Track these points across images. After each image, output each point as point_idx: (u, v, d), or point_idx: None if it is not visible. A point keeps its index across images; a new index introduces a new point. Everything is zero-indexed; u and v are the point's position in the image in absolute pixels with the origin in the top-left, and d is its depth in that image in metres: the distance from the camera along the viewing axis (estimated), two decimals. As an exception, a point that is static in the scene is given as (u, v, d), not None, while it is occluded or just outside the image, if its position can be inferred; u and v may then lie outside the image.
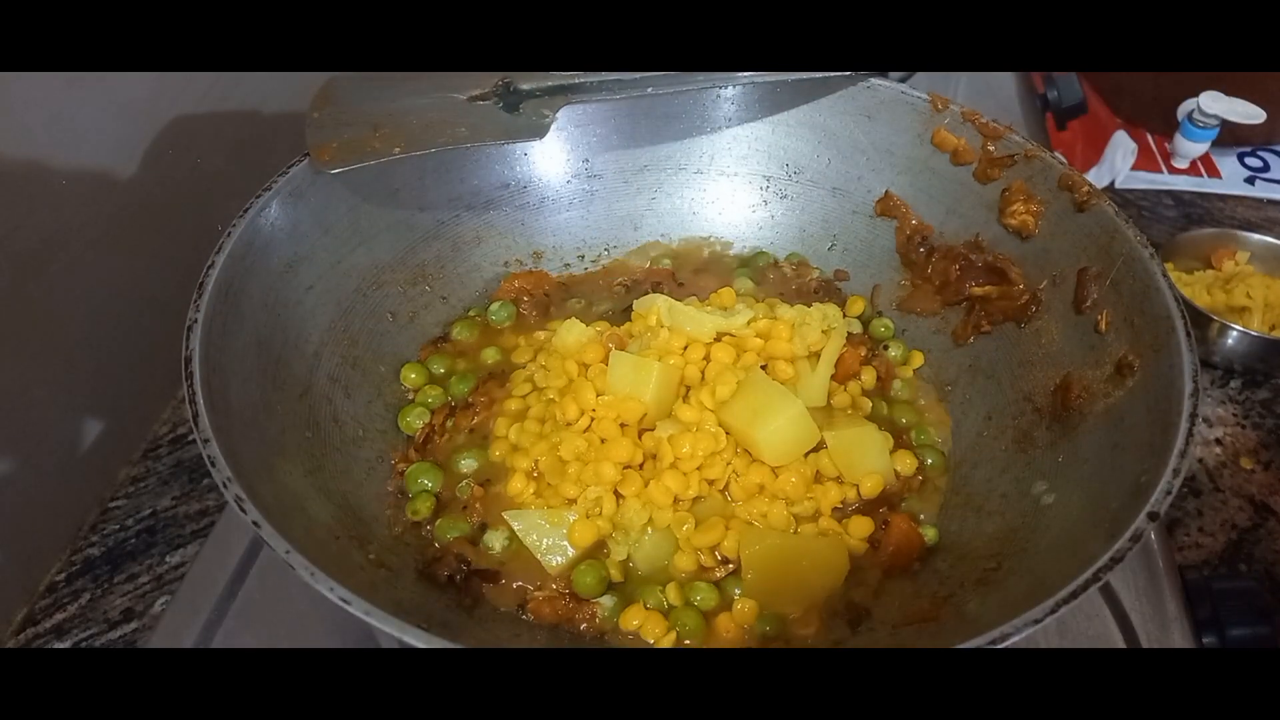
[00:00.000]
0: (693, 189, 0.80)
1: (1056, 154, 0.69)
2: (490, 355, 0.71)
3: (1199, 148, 1.08)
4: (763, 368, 0.64)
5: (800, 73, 0.71)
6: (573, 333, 0.66)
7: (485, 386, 0.68)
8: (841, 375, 0.67)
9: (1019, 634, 0.42)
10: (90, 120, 0.69)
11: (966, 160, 0.70)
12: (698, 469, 0.59)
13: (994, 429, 0.66)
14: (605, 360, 0.64)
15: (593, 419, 0.61)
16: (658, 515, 0.58)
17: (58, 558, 0.72)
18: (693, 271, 0.78)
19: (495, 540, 0.59)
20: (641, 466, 0.61)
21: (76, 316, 0.71)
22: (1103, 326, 0.61)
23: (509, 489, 0.61)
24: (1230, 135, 1.06)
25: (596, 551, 0.59)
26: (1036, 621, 0.43)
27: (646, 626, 0.55)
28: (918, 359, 0.72)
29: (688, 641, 0.55)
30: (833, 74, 0.71)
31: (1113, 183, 1.09)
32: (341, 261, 0.67)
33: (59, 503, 0.73)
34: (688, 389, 0.63)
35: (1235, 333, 0.83)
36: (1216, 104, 1.02)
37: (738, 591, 0.57)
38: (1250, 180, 1.11)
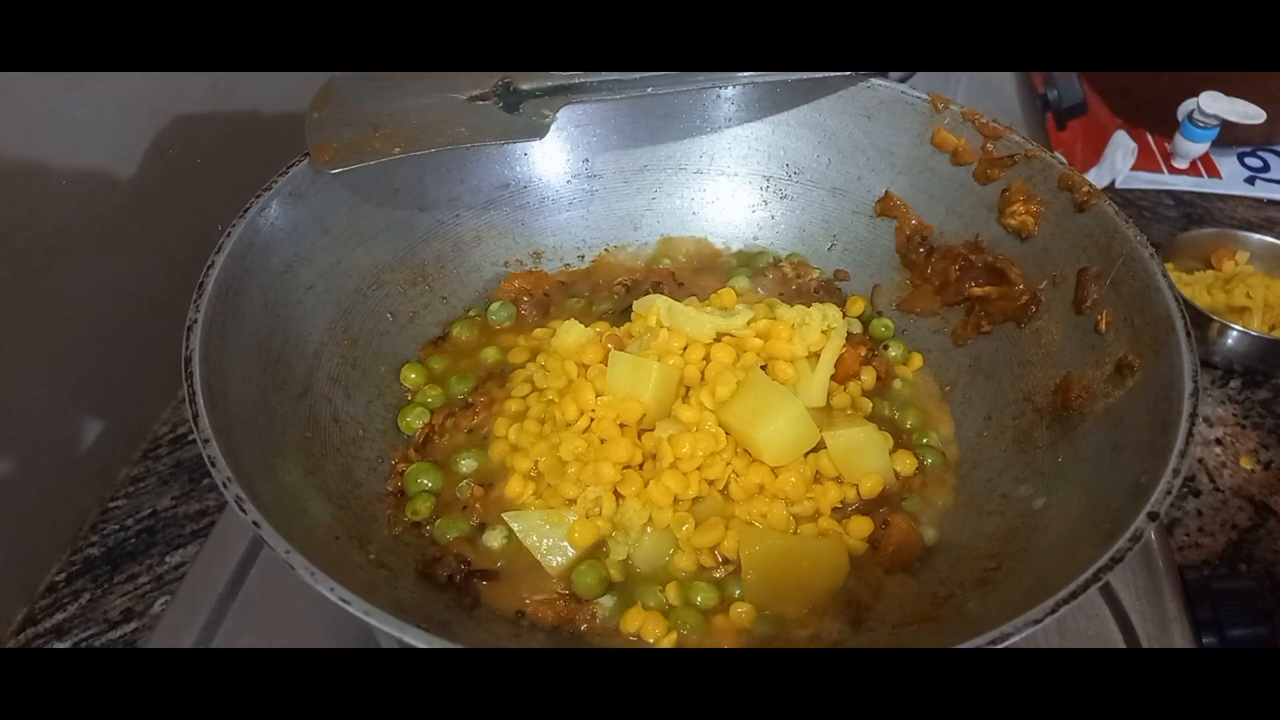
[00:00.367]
0: (693, 189, 0.80)
1: (1056, 154, 0.69)
2: (490, 355, 0.71)
3: (1199, 148, 1.08)
4: (763, 368, 0.64)
5: (800, 73, 0.71)
6: (572, 333, 0.66)
7: (485, 386, 0.68)
8: (841, 375, 0.67)
9: (1019, 634, 0.42)
10: (90, 120, 0.69)
11: (966, 160, 0.70)
12: (697, 469, 0.59)
13: (994, 429, 0.66)
14: (605, 361, 0.64)
15: (592, 419, 0.61)
16: (657, 515, 0.58)
17: (58, 558, 0.72)
18: (693, 271, 0.78)
19: (495, 540, 0.59)
20: (641, 467, 0.61)
21: (76, 316, 0.71)
22: (1103, 326, 0.61)
23: (508, 490, 0.61)
24: (1230, 135, 1.06)
25: (596, 551, 0.59)
26: (1036, 621, 0.43)
27: (646, 627, 0.55)
28: (917, 360, 0.72)
29: (688, 640, 0.55)
30: (833, 74, 0.71)
31: (1113, 183, 1.09)
32: (341, 261, 0.67)
33: (59, 503, 0.73)
34: (687, 389, 0.63)
35: (1235, 333, 0.83)
36: (1216, 104, 1.02)
37: (737, 591, 0.57)
38: (1250, 180, 1.11)
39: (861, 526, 0.60)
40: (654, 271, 0.77)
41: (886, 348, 0.72)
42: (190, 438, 0.64)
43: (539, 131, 0.65)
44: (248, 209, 0.60)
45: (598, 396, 0.62)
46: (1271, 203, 1.09)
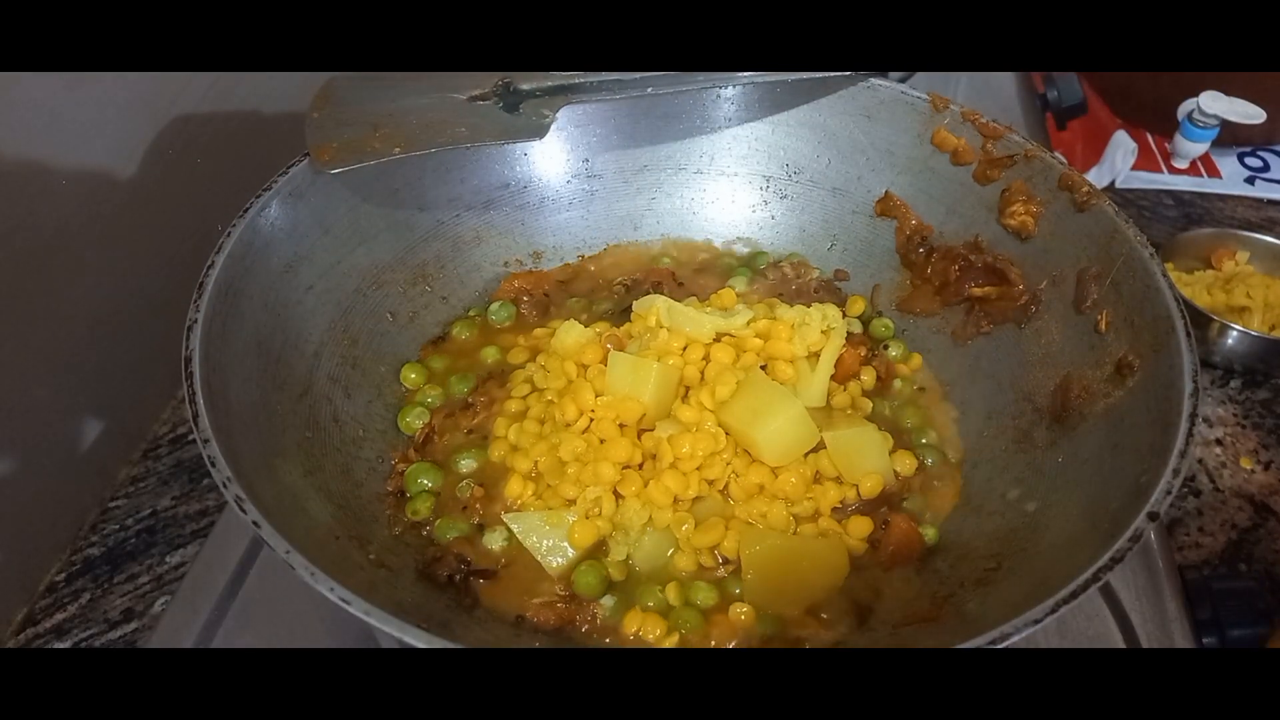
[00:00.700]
0: (693, 189, 0.80)
1: (1056, 154, 0.69)
2: (490, 355, 0.71)
3: (1199, 148, 1.08)
4: (762, 368, 0.64)
5: (800, 73, 0.71)
6: (571, 334, 0.66)
7: (485, 386, 0.68)
8: (841, 375, 0.67)
9: (1019, 634, 0.42)
10: (90, 120, 0.69)
11: (966, 160, 0.70)
12: (697, 469, 0.59)
13: (994, 429, 0.66)
14: (604, 361, 0.64)
15: (592, 419, 0.61)
16: (657, 515, 0.58)
17: (58, 558, 0.72)
18: (693, 271, 0.78)
19: (495, 541, 0.59)
20: (641, 467, 0.61)
21: (76, 316, 0.71)
22: (1103, 326, 0.61)
23: (508, 490, 0.61)
24: (1230, 135, 1.06)
25: (596, 552, 0.59)
26: (1036, 621, 0.43)
27: (646, 628, 0.55)
28: (917, 360, 0.72)
29: (688, 640, 0.55)
30: (833, 74, 0.71)
31: (1113, 183, 1.09)
32: (341, 261, 0.67)
33: (59, 503, 0.73)
34: (687, 389, 0.63)
35: (1235, 333, 0.83)
36: (1216, 104, 1.02)
37: (737, 591, 0.57)
38: (1250, 180, 1.11)
39: (861, 526, 0.60)
40: (654, 271, 0.77)
41: (886, 348, 0.72)
42: (190, 438, 0.64)
43: (539, 131, 0.65)
44: (248, 209, 0.60)
45: (597, 397, 0.62)
46: (1271, 203, 1.09)
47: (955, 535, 0.61)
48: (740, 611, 0.56)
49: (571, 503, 0.59)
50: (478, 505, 0.61)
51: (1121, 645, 0.64)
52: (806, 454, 0.61)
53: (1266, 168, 1.13)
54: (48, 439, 0.71)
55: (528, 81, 0.66)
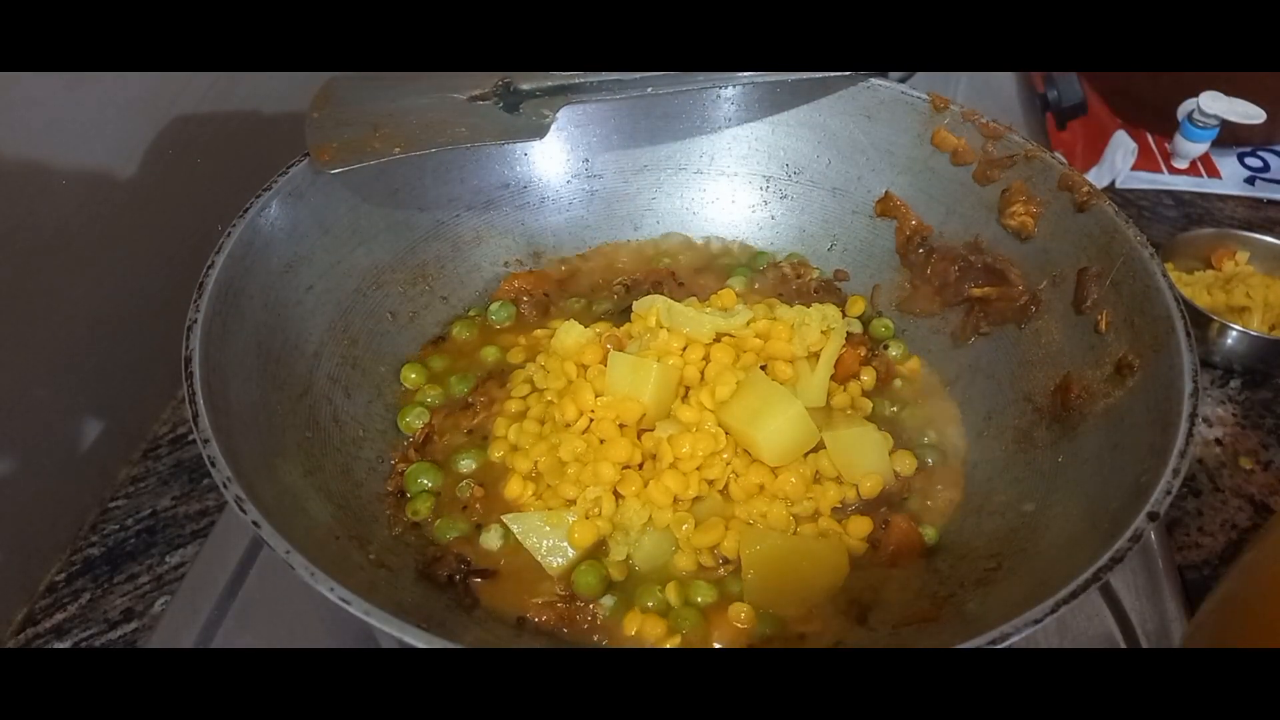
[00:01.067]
0: (693, 189, 0.80)
1: (1056, 154, 0.69)
2: (489, 355, 0.71)
3: (1199, 148, 1.08)
4: (762, 368, 0.64)
5: (800, 73, 0.71)
6: (571, 334, 0.66)
7: (484, 386, 0.68)
8: (841, 375, 0.67)
9: (1019, 634, 0.42)
10: (90, 120, 0.69)
11: (966, 160, 0.70)
12: (697, 469, 0.59)
13: (994, 429, 0.66)
14: (604, 361, 0.64)
15: (591, 420, 0.61)
16: (657, 515, 0.58)
17: (58, 558, 0.72)
18: (693, 271, 0.78)
19: (494, 541, 0.59)
20: (641, 467, 0.61)
21: (76, 316, 0.71)
22: (1103, 326, 0.61)
23: (508, 490, 0.61)
24: (1230, 135, 1.06)
25: (596, 552, 0.59)
26: (1036, 621, 0.43)
27: (646, 628, 0.55)
28: (916, 362, 0.72)
29: (688, 640, 0.55)
30: (833, 74, 0.71)
31: (1113, 183, 1.09)
32: (341, 261, 0.67)
33: (59, 503, 0.73)
34: (687, 389, 0.63)
35: (1235, 333, 0.83)
36: (1216, 104, 1.02)
37: (737, 590, 0.57)
38: (1250, 180, 1.11)
39: (861, 526, 0.60)
40: (654, 271, 0.77)
41: (886, 347, 0.72)
42: (190, 438, 0.64)
43: (539, 131, 0.65)
44: (248, 209, 0.60)
45: (597, 397, 0.62)
46: (1271, 203, 1.09)
47: (955, 535, 0.61)
48: (740, 611, 0.56)
49: (571, 503, 0.59)
50: (477, 505, 0.61)
51: (1121, 645, 0.64)
52: (806, 454, 0.61)
53: (1266, 168, 1.13)
54: (48, 439, 0.71)
55: (528, 81, 0.66)
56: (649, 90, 0.67)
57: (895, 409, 0.69)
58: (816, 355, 0.66)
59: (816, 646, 0.55)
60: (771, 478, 0.60)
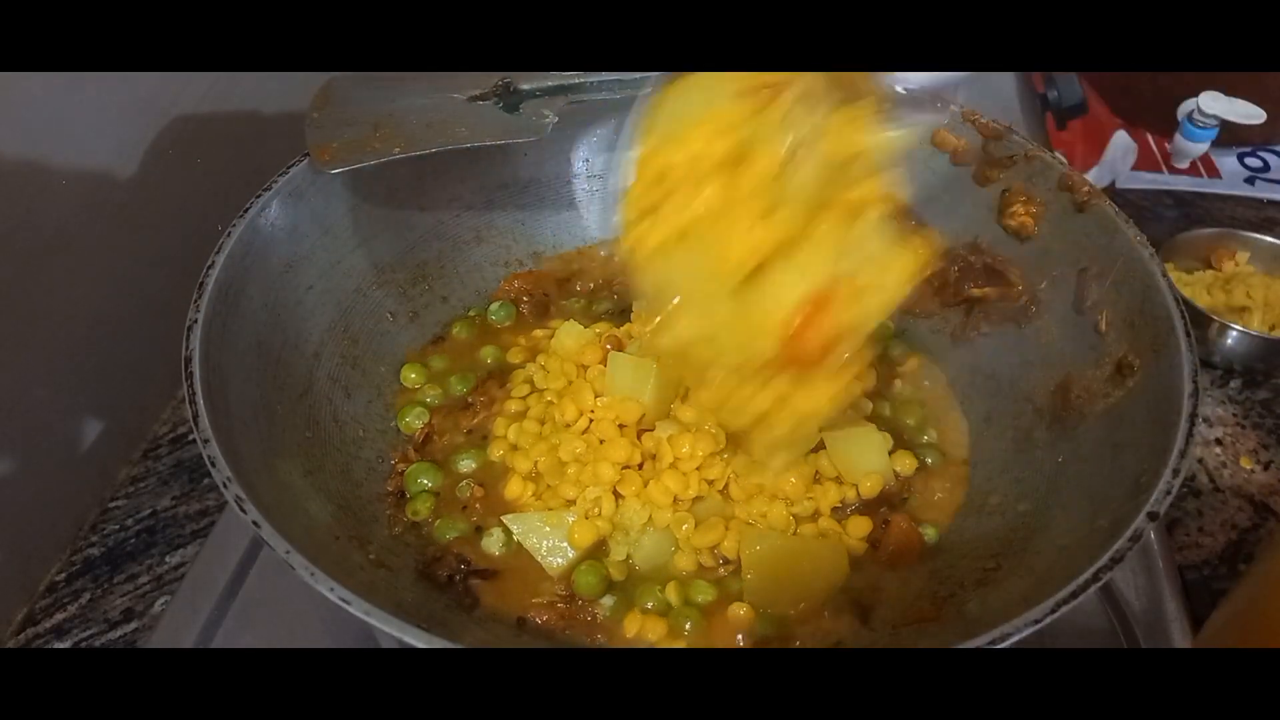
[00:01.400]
0: (692, 189, 0.79)
1: (1057, 154, 0.69)
2: (488, 354, 0.71)
3: (1199, 148, 1.08)
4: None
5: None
6: (571, 335, 0.66)
7: (484, 386, 0.68)
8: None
9: (1019, 634, 0.42)
10: (90, 120, 0.69)
11: (966, 160, 0.70)
12: (697, 469, 0.59)
13: (994, 429, 0.66)
14: (604, 361, 0.64)
15: (591, 420, 0.61)
16: (657, 515, 0.58)
17: (58, 558, 0.72)
18: (693, 272, 0.78)
19: (494, 541, 0.59)
20: (641, 467, 0.61)
21: (76, 316, 0.71)
22: (1103, 326, 0.61)
23: (508, 491, 0.61)
24: (1230, 135, 1.06)
25: (596, 552, 0.59)
26: (1036, 621, 0.43)
27: (646, 628, 0.55)
28: (916, 361, 0.72)
29: (689, 639, 0.55)
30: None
31: (1113, 183, 1.09)
32: (341, 261, 0.67)
33: (59, 503, 0.73)
34: (687, 390, 0.63)
35: (1235, 333, 0.83)
36: (1216, 104, 1.02)
37: (737, 589, 0.57)
38: (1250, 180, 1.11)
39: (860, 526, 0.60)
40: (654, 271, 0.77)
41: (887, 346, 0.72)
42: (190, 438, 0.64)
43: (539, 131, 0.65)
44: (248, 209, 0.60)
45: (597, 397, 0.62)
46: (1271, 203, 1.08)
47: (955, 535, 0.61)
48: (740, 610, 0.56)
49: (571, 503, 0.59)
50: (477, 505, 0.61)
51: (1122, 645, 0.64)
52: (806, 454, 0.61)
53: (1266, 168, 1.13)
54: (48, 439, 0.71)
55: (528, 81, 0.66)
56: (649, 90, 0.67)
57: (895, 409, 0.68)
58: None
59: (816, 647, 0.55)
60: (771, 478, 0.60)
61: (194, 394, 0.49)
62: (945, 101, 0.68)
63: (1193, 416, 0.51)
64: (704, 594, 0.57)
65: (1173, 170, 1.11)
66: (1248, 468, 0.80)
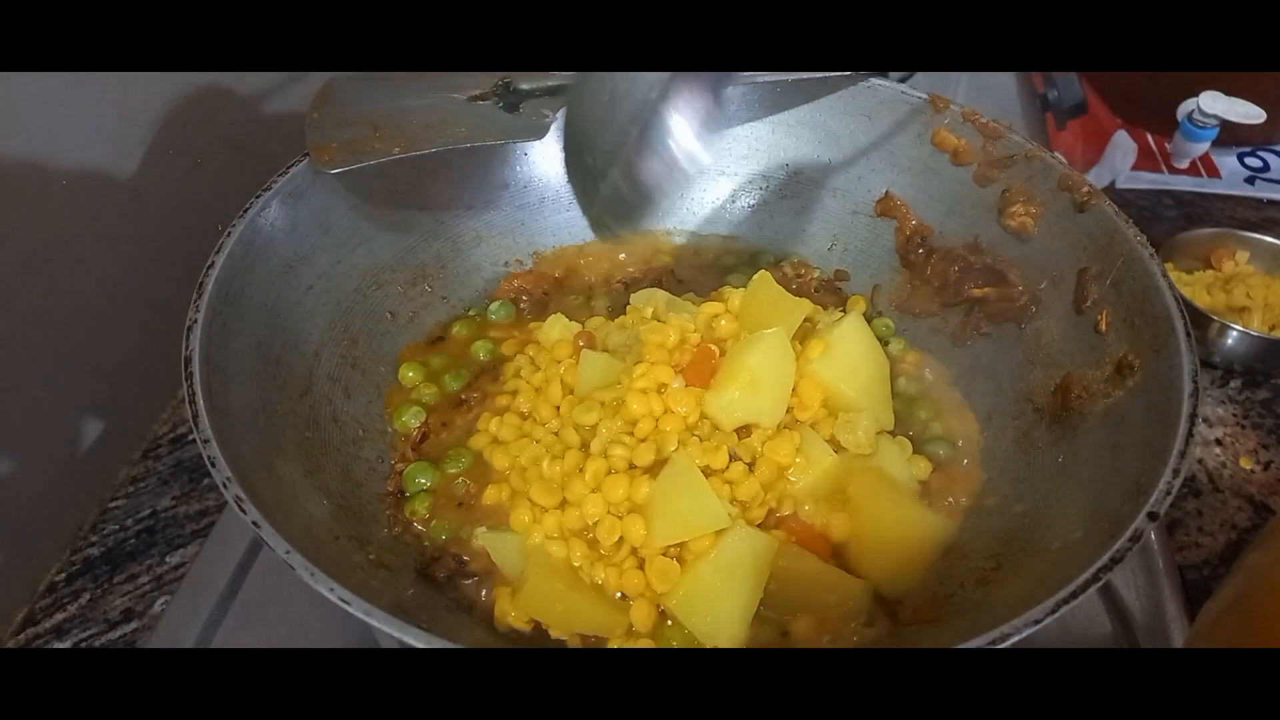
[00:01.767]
0: (692, 189, 0.80)
1: (1056, 154, 0.69)
2: (480, 348, 0.70)
3: (1199, 148, 1.08)
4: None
5: (800, 73, 0.71)
6: (556, 327, 0.66)
7: (478, 382, 0.68)
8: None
9: (1019, 634, 0.42)
10: (90, 120, 0.69)
11: (966, 160, 0.70)
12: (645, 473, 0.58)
13: (994, 429, 0.66)
14: (576, 357, 0.64)
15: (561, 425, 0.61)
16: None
17: (58, 558, 0.72)
18: (692, 270, 0.78)
19: (484, 542, 0.59)
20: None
21: (77, 316, 0.71)
22: (1103, 326, 0.61)
23: (485, 497, 0.61)
24: (1230, 135, 1.06)
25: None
26: (1036, 622, 0.43)
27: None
28: (917, 356, 0.72)
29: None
30: (833, 74, 0.71)
31: (1113, 183, 1.09)
32: (341, 261, 0.67)
33: (59, 503, 0.73)
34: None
35: (1235, 333, 0.83)
36: (1216, 104, 1.02)
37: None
38: (1250, 180, 1.11)
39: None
40: (653, 270, 0.77)
41: (887, 345, 0.72)
42: (190, 438, 0.64)
43: (539, 131, 0.65)
44: (248, 209, 0.60)
45: (568, 394, 0.62)
46: (1271, 203, 1.09)
47: (956, 535, 0.61)
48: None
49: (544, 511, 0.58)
50: (472, 504, 0.61)
51: (1122, 645, 0.64)
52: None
53: (1266, 168, 1.13)
54: (48, 439, 0.71)
55: (528, 81, 0.66)
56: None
57: (910, 405, 0.68)
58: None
59: (816, 647, 0.55)
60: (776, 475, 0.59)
61: (194, 394, 0.49)
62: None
63: (1193, 416, 0.51)
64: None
65: (1173, 170, 1.11)
66: (1248, 468, 0.80)
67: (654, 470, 0.57)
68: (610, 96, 0.42)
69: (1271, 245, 0.93)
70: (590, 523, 0.56)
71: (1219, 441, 0.82)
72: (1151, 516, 0.47)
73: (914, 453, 0.64)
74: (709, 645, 0.53)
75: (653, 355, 0.61)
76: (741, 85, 0.74)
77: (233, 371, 0.54)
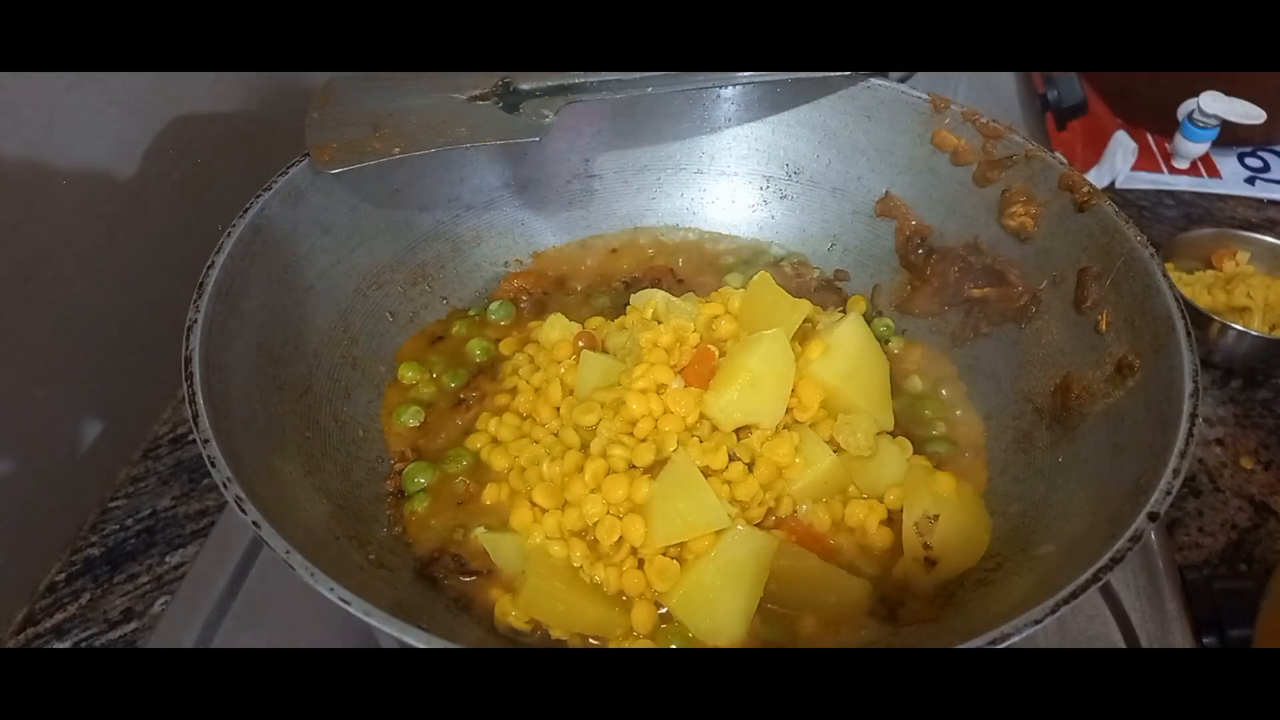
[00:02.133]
0: (693, 189, 0.80)
1: (1057, 154, 0.69)
2: (476, 347, 0.70)
3: (1199, 148, 1.08)
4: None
5: (800, 73, 0.71)
6: (556, 327, 0.66)
7: (476, 381, 0.68)
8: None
9: (1019, 634, 0.42)
10: (90, 120, 0.69)
11: (966, 160, 0.70)
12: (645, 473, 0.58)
13: (994, 429, 0.66)
14: (575, 357, 0.64)
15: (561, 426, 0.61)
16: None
17: (58, 558, 0.72)
18: (692, 270, 0.78)
19: (484, 543, 0.59)
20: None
21: (77, 316, 0.71)
22: (1103, 326, 0.61)
23: (485, 496, 0.61)
24: (1230, 135, 1.06)
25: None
26: (1036, 622, 0.43)
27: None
28: (918, 350, 0.72)
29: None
30: (833, 74, 0.71)
31: (1113, 183, 1.09)
32: (341, 261, 0.67)
33: (59, 503, 0.73)
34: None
35: (1235, 333, 0.83)
36: (1216, 104, 1.02)
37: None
38: (1250, 180, 1.11)
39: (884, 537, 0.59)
40: (653, 269, 0.77)
41: (887, 344, 0.72)
42: (190, 438, 0.64)
43: (539, 131, 0.65)
44: (248, 209, 0.60)
45: (568, 394, 0.62)
46: (1271, 203, 1.09)
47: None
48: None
49: (544, 511, 0.58)
50: (472, 503, 0.61)
51: (1121, 645, 0.64)
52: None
53: (1266, 168, 1.13)
54: (48, 439, 0.71)
55: (528, 81, 0.66)
56: (649, 90, 0.67)
57: (916, 403, 0.68)
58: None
59: (816, 647, 0.55)
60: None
61: (194, 394, 0.49)
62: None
63: (1193, 416, 0.51)
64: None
65: (1173, 170, 1.11)
66: (1248, 468, 0.80)
67: (654, 470, 0.57)
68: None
69: (1271, 245, 0.93)
70: (590, 523, 0.56)
71: (1219, 441, 0.82)
72: (1151, 516, 0.47)
73: (915, 452, 0.64)
74: (709, 645, 0.54)
75: (651, 356, 0.61)
76: (741, 85, 0.74)
77: (233, 371, 0.54)
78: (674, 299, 0.67)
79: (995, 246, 0.69)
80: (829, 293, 0.76)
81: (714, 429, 0.59)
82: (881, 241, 0.76)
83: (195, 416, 0.48)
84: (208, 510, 0.75)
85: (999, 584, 0.54)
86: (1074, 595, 0.44)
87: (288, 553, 0.44)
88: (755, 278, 0.66)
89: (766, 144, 0.77)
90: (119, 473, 0.78)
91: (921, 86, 0.71)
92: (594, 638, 0.55)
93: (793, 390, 0.61)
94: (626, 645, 0.54)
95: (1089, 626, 0.64)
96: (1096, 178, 1.09)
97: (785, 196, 0.79)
